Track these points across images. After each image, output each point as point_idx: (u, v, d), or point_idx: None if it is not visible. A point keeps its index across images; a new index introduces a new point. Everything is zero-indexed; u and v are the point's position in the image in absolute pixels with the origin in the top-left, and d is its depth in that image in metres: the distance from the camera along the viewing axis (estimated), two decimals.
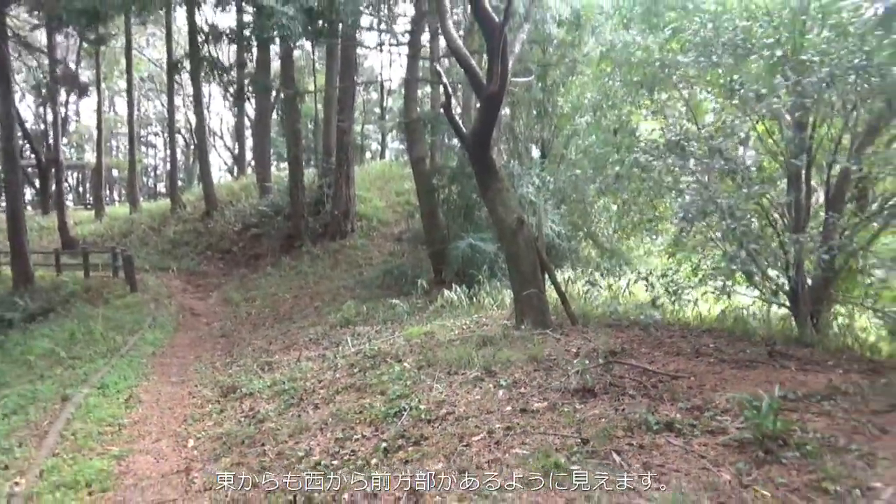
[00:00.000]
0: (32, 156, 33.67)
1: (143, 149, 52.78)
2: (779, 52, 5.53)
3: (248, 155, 34.86)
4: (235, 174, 36.13)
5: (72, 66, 32.45)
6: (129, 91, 31.42)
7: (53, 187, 30.32)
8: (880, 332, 7.08)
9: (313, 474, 4.60)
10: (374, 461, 4.59)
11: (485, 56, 9.17)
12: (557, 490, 3.69)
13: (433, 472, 4.16)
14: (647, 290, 8.05)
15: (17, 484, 5.03)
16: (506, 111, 14.85)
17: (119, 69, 40.31)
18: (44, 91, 30.44)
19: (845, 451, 3.96)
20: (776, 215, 7.81)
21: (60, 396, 7.90)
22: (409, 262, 14.37)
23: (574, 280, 10.99)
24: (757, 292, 8.36)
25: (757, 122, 7.31)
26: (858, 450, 3.94)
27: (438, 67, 9.12)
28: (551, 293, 8.55)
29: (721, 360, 6.12)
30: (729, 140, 6.30)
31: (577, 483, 3.70)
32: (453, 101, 8.75)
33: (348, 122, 18.44)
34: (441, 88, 8.43)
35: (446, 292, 10.27)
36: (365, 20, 14.44)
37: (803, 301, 7.70)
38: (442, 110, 8.70)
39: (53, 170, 29.13)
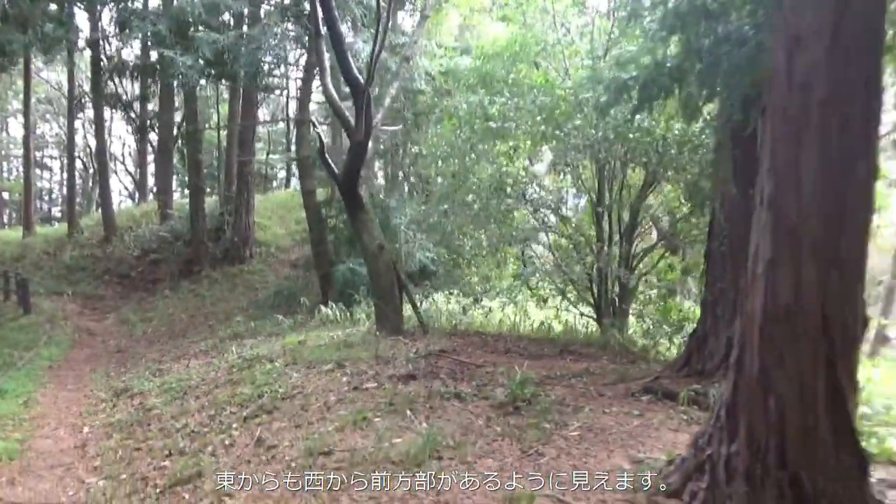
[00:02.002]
0: None
1: (39, 172, 51.03)
2: (542, 128, 7.54)
3: (151, 181, 34.99)
4: (137, 200, 36.03)
5: None
6: (27, 114, 31.03)
7: None
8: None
9: (186, 437, 5.97)
10: (234, 426, 6.01)
11: None
12: (360, 431, 5.26)
13: (276, 429, 5.65)
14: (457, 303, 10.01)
15: None
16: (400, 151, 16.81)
17: (14, 90, 39.54)
18: None
19: (566, 406, 5.75)
20: (587, 248, 9.86)
21: None
22: (298, 285, 15.72)
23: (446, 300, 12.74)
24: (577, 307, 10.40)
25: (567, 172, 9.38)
26: (575, 405, 5.74)
27: (312, 118, 10.69)
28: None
29: (521, 355, 7.94)
30: (530, 185, 8.24)
31: (374, 427, 5.29)
32: (345, 139, 10.33)
33: (248, 155, 19.68)
34: (321, 132, 9.98)
35: (323, 308, 11.77)
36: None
37: (604, 313, 9.75)
38: (317, 154, 10.30)
39: None
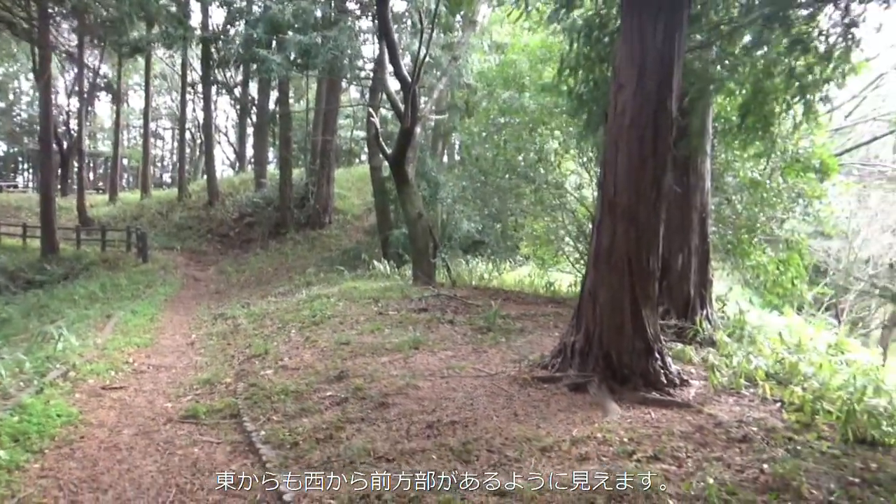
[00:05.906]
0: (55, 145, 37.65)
1: (153, 140, 56.52)
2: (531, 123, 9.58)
3: (250, 152, 38.91)
4: (237, 169, 40.10)
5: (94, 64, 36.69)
6: (147, 89, 35.35)
7: (74, 173, 34.50)
8: None
9: (261, 338, 8.58)
10: (293, 332, 8.56)
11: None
12: (373, 335, 7.66)
13: (319, 333, 8.13)
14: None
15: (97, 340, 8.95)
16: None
17: (134, 66, 44.44)
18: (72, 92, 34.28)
19: (525, 331, 7.89)
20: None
21: (105, 315, 11.80)
22: (363, 246, 18.37)
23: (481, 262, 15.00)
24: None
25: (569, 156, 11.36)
26: (530, 330, 7.87)
27: (370, 110, 13.08)
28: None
29: (515, 302, 10.10)
30: (538, 166, 10.32)
31: (383, 334, 7.67)
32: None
33: (330, 134, 22.47)
34: (377, 121, 12.38)
35: (376, 264, 14.30)
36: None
37: None
38: (373, 137, 12.71)
39: (76, 157, 33.22)
